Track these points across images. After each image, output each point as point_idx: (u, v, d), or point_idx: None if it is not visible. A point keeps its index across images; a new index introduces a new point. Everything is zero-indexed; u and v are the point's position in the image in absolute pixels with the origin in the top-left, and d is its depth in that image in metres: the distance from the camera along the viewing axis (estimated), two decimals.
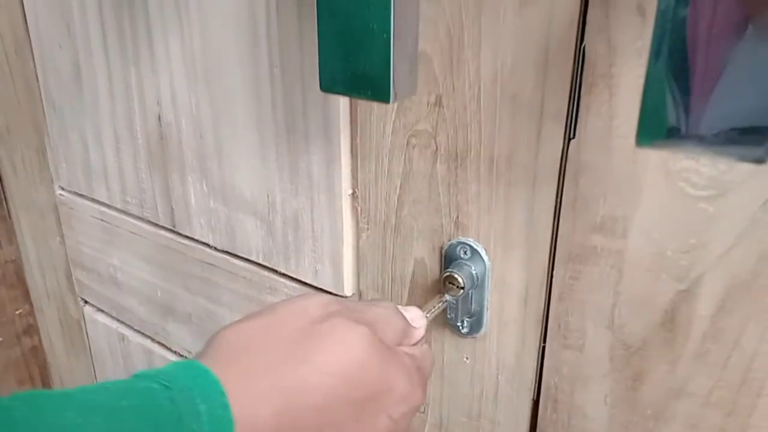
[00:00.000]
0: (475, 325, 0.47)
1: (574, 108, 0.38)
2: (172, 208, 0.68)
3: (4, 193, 0.90)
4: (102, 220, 0.79)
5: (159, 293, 0.76)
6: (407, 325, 0.40)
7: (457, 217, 0.46)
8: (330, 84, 0.37)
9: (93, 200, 0.78)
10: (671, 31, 0.26)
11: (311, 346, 0.34)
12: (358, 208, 0.52)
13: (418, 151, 0.46)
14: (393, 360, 0.36)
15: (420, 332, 0.41)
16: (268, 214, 0.59)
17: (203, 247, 0.67)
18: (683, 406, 0.41)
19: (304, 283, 0.59)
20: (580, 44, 0.37)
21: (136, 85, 0.65)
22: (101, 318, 0.88)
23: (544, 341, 0.45)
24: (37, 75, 0.76)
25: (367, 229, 0.52)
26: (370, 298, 0.55)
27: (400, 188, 0.48)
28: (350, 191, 0.52)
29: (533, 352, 0.46)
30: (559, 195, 0.41)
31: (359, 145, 0.49)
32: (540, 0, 0.37)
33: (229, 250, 0.65)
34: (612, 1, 0.35)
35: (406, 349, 0.39)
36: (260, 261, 0.62)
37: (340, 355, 0.34)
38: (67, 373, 0.99)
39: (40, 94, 0.77)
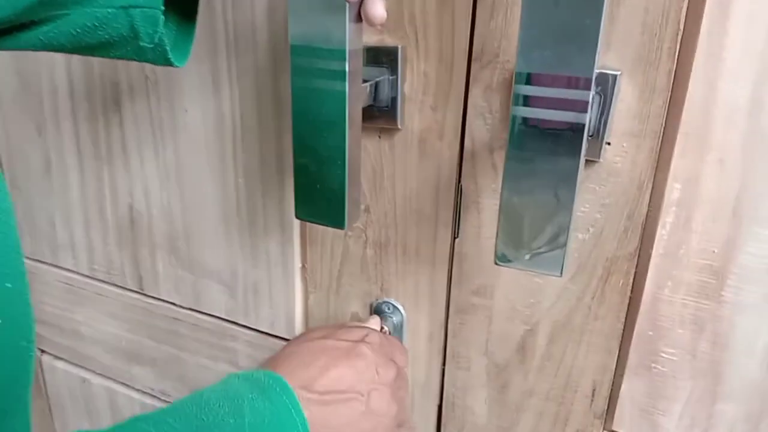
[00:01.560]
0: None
1: (457, 220, 0.60)
2: (140, 276, 0.83)
3: None
4: (66, 283, 0.90)
5: (123, 342, 0.89)
6: (404, 349, 0.61)
7: (382, 284, 0.67)
8: (303, 215, 0.56)
9: (58, 267, 0.90)
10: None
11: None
12: (307, 278, 0.71)
13: (353, 240, 0.67)
14: (403, 392, 0.57)
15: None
16: (231, 281, 0.76)
17: (169, 305, 0.83)
18: (533, 402, 0.64)
19: (262, 332, 0.77)
20: (459, 183, 0.59)
21: (108, 180, 0.78)
22: (60, 365, 0.98)
23: (444, 365, 0.67)
24: (2, 164, 0.87)
25: (314, 291, 0.72)
26: None
27: (340, 264, 0.69)
28: (300, 265, 0.72)
29: (437, 372, 0.68)
30: (450, 271, 0.63)
31: (308, 233, 0.69)
32: (432, 155, 0.59)
33: (194, 308, 0.81)
34: (477, 159, 0.57)
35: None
36: (223, 316, 0.79)
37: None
38: None
39: (6, 180, 0.88)
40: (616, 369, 0.59)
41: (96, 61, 0.74)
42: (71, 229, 0.86)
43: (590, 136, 0.52)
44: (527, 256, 0.49)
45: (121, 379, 0.93)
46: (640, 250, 0.54)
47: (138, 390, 0.93)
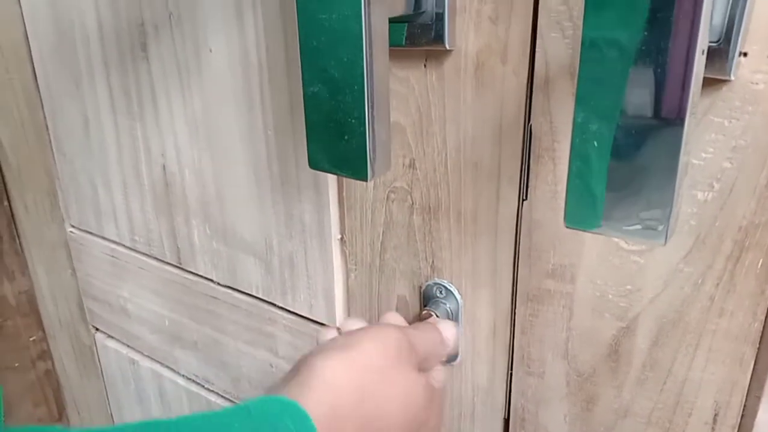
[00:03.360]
0: (451, 356, 0.54)
1: (526, 175, 0.45)
2: (177, 247, 0.75)
3: (16, 229, 0.96)
4: (111, 256, 0.85)
5: (167, 323, 0.82)
6: (444, 347, 0.50)
7: (433, 261, 0.53)
8: (317, 163, 0.43)
9: (102, 238, 0.84)
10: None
11: (386, 393, 0.42)
12: (347, 252, 0.58)
13: (396, 204, 0.53)
14: (435, 401, 0.46)
15: (451, 350, 0.51)
16: (266, 254, 0.65)
17: (207, 282, 0.74)
18: (629, 425, 0.47)
19: (300, 316, 0.65)
20: (528, 123, 0.43)
21: (141, 138, 0.71)
22: (112, 344, 0.94)
23: (511, 369, 0.52)
24: (47, 125, 0.82)
25: (355, 269, 0.58)
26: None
27: (383, 235, 0.55)
28: (339, 236, 0.58)
29: (502, 378, 0.53)
30: (517, 245, 0.48)
31: (345, 197, 0.56)
32: (493, 85, 0.44)
33: (231, 285, 0.71)
34: (552, 88, 0.42)
35: (436, 374, 0.48)
36: (260, 295, 0.68)
37: (407, 407, 0.43)
38: (81, 395, 1.05)
39: (50, 141, 0.83)
40: (749, 387, 0.42)
41: (122, 2, 0.65)
42: (112, 195, 0.79)
43: (715, 42, 0.35)
44: (612, 217, 0.33)
45: (166, 362, 0.86)
46: None
47: (183, 376, 0.85)
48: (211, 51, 0.60)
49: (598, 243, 0.44)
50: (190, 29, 0.60)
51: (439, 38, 0.44)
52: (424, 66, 0.46)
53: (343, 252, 0.59)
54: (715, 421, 0.44)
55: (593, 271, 0.45)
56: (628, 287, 0.44)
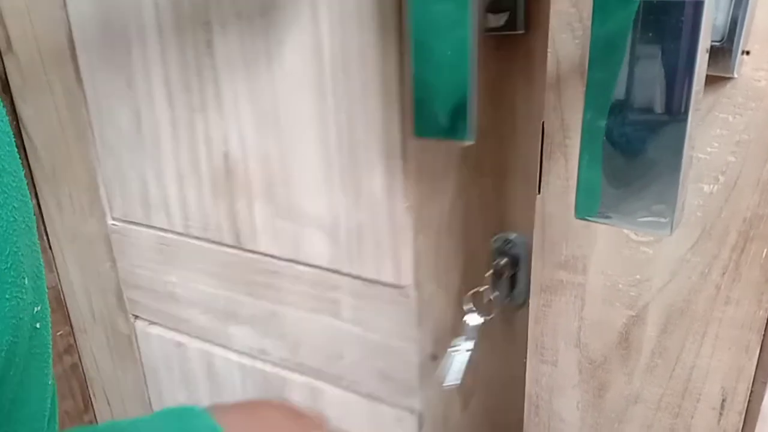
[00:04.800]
0: None
1: (539, 170, 0.47)
2: (237, 229, 0.75)
3: (44, 227, 0.99)
4: (160, 244, 0.84)
5: (221, 302, 0.83)
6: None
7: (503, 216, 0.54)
8: (424, 131, 0.46)
9: (151, 227, 0.84)
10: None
11: None
12: (414, 216, 0.59)
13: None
14: None
15: None
16: (333, 226, 0.66)
17: (268, 258, 0.74)
18: (640, 411, 0.49)
19: (367, 280, 0.66)
20: (540, 120, 0.45)
21: (202, 130, 0.72)
22: (155, 330, 0.93)
23: (525, 357, 0.54)
24: (91, 124, 0.83)
25: (422, 234, 0.60)
26: (427, 292, 0.63)
27: (452, 198, 0.57)
28: (407, 204, 0.60)
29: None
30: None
31: (414, 167, 0.57)
32: None
33: (294, 259, 0.71)
34: (563, 87, 0.43)
35: None
36: (325, 265, 0.69)
37: None
38: (113, 386, 1.08)
39: (95, 140, 0.83)
40: (756, 373, 0.43)
41: (186, 4, 0.67)
42: (164, 186, 0.80)
43: (718, 41, 0.37)
44: (620, 209, 0.35)
45: (218, 340, 0.86)
46: None
47: (236, 351, 0.85)
48: (281, 43, 0.62)
49: (608, 235, 0.45)
50: (261, 23, 0.63)
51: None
52: None
53: (411, 217, 0.60)
54: (722, 406, 0.45)
55: (604, 262, 0.46)
56: (638, 277, 0.45)
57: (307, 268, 0.71)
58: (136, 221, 0.85)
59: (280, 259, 0.73)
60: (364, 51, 0.56)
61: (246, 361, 0.85)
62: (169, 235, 0.83)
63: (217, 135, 0.71)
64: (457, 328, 0.62)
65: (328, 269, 0.69)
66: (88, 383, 1.11)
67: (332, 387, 0.75)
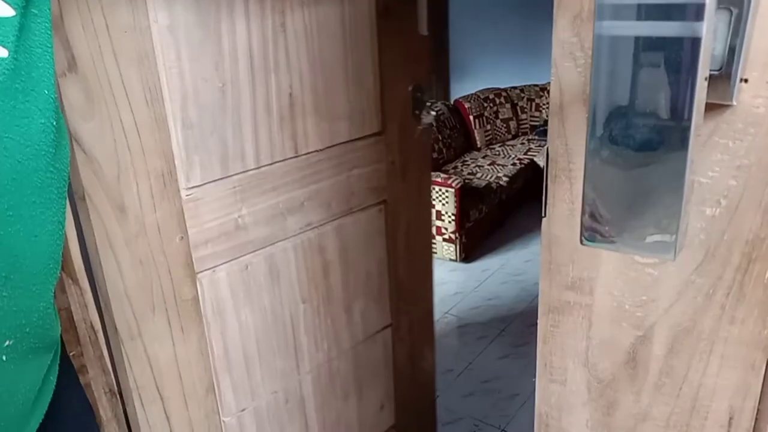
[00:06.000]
0: None
1: (544, 194, 0.48)
2: (296, 143, 1.04)
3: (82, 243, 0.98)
4: (233, 187, 1.01)
5: (280, 206, 1.07)
6: None
7: None
8: None
9: (227, 177, 0.98)
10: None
11: None
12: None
13: None
14: None
15: None
16: (356, 117, 1.10)
17: (314, 153, 1.07)
18: (648, 429, 0.50)
19: (368, 136, 1.17)
20: (545, 146, 0.46)
21: (275, 83, 0.98)
22: (221, 271, 1.05)
23: (534, 376, 0.55)
24: (172, 114, 0.91)
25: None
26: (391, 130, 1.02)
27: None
28: None
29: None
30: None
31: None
32: None
33: (331, 144, 1.08)
34: (566, 114, 0.45)
35: None
36: (347, 139, 1.11)
37: None
38: (171, 368, 1.08)
39: (175, 128, 0.92)
40: (762, 391, 0.44)
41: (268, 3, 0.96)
42: (242, 137, 0.99)
43: (717, 70, 0.38)
44: (624, 234, 0.36)
45: (277, 237, 1.07)
46: None
47: (290, 237, 1.09)
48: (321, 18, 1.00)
49: (614, 257, 0.46)
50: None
51: None
52: None
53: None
54: (730, 424, 0.46)
55: (610, 283, 0.47)
56: (644, 298, 0.46)
57: (336, 148, 1.09)
58: (213, 179, 1.00)
59: (320, 150, 1.07)
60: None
61: (297, 240, 1.11)
62: (242, 176, 1.01)
63: (284, 83, 1.01)
64: None
65: (349, 140, 1.11)
66: (134, 394, 1.08)
67: (350, 216, 1.16)
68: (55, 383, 0.53)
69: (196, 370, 1.10)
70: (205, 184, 1.00)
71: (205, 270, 1.06)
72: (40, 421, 0.51)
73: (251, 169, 1.03)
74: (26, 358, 0.45)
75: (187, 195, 0.97)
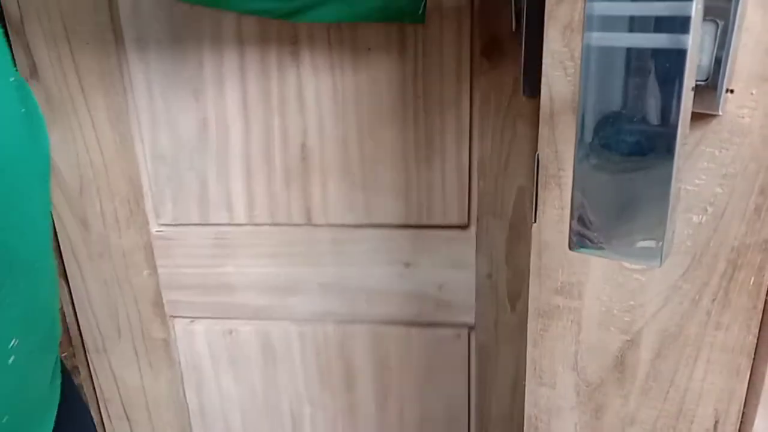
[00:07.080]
0: None
1: (534, 200, 0.48)
2: (308, 207, 0.83)
3: (60, 248, 0.98)
4: (216, 238, 0.88)
5: (281, 278, 0.89)
6: None
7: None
8: None
9: (207, 225, 0.87)
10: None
11: None
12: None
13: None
14: None
15: None
16: (405, 189, 0.79)
17: (338, 227, 0.83)
18: None
19: (433, 226, 0.81)
20: (535, 152, 0.47)
21: (278, 127, 0.79)
22: (199, 325, 0.95)
23: (524, 380, 0.55)
24: (142, 140, 0.84)
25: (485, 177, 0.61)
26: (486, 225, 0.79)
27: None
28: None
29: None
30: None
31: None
32: None
33: (366, 222, 0.82)
34: (556, 122, 0.45)
35: None
36: (394, 222, 0.81)
37: None
38: (139, 398, 1.05)
39: (144, 152, 0.85)
40: (747, 396, 0.45)
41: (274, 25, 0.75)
42: (227, 182, 0.85)
43: (703, 80, 0.38)
44: (612, 241, 0.37)
45: (276, 315, 0.92)
46: None
47: (296, 320, 0.92)
48: (369, 50, 0.73)
49: (602, 262, 0.47)
50: (349, 33, 0.72)
51: None
52: None
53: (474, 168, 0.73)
54: (715, 428, 0.47)
55: (599, 288, 0.48)
56: (632, 303, 0.47)
57: (377, 230, 0.83)
58: (189, 222, 0.89)
59: (350, 226, 0.83)
60: (445, 56, 0.73)
61: (307, 327, 0.92)
62: (229, 228, 0.88)
63: (294, 129, 0.80)
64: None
65: (396, 225, 0.82)
66: (101, 404, 1.10)
67: (394, 326, 0.88)
68: (60, 388, 0.53)
69: (167, 413, 1.03)
70: (179, 225, 0.90)
71: (179, 317, 0.97)
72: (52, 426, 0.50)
73: (242, 224, 0.88)
74: (33, 358, 0.45)
75: (157, 231, 0.90)
